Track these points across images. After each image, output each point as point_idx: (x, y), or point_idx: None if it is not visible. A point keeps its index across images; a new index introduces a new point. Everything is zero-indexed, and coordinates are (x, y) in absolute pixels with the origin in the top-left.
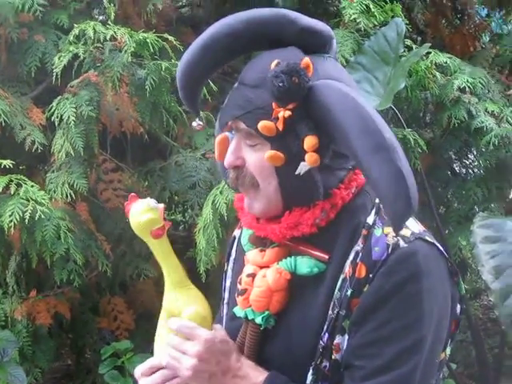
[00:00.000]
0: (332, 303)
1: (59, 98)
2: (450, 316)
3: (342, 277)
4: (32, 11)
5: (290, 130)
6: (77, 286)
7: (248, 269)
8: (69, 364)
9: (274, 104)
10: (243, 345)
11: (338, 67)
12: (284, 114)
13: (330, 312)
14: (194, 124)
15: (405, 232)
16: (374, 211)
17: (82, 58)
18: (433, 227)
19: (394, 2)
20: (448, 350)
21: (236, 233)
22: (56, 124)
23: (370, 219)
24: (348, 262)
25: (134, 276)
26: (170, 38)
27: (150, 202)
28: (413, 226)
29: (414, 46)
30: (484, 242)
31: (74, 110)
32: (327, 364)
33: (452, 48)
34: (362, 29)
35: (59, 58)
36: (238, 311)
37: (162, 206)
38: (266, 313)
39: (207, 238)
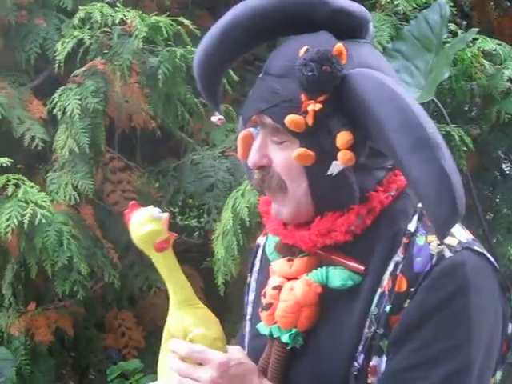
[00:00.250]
0: (368, 320)
1: (62, 88)
2: (501, 336)
3: (379, 291)
4: None
5: (321, 125)
6: (80, 298)
7: (274, 281)
8: None
9: (302, 96)
10: (267, 366)
11: (376, 54)
12: (314, 107)
13: (365, 330)
14: (214, 119)
15: (451, 240)
16: (416, 217)
17: (87, 44)
18: (479, 235)
19: None
20: (498, 375)
21: (260, 240)
22: (58, 118)
23: (412, 226)
24: (387, 274)
25: (144, 288)
26: (186, 21)
27: (152, 211)
28: (460, 233)
29: (459, 32)
30: None
31: (79, 102)
32: None
33: (501, 33)
34: (401, 12)
35: (62, 44)
36: (263, 328)
37: (166, 215)
38: (294, 330)
39: (226, 246)
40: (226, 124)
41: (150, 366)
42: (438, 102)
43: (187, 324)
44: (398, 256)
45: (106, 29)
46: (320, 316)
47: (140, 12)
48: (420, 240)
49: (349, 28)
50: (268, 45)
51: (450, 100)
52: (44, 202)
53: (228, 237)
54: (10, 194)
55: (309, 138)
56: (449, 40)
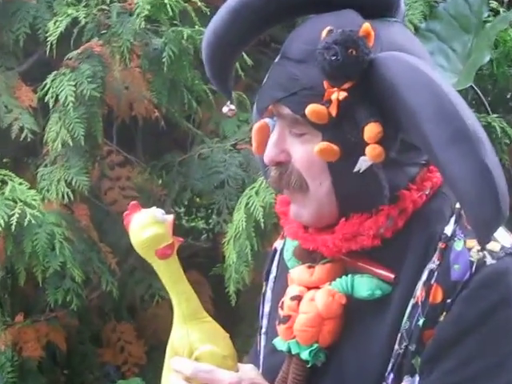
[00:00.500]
0: (399, 335)
1: (54, 73)
2: None
3: (411, 302)
4: None
5: (347, 116)
6: (74, 309)
7: (292, 290)
8: None
9: (325, 83)
10: None
11: (407, 35)
12: (338, 95)
13: (396, 347)
14: (224, 109)
15: (493, 246)
16: (453, 219)
17: (82, 23)
18: None
19: None
20: None
21: (277, 244)
22: (50, 106)
23: (449, 229)
24: (420, 284)
25: (146, 297)
26: None
27: (155, 212)
28: (503, 237)
29: (500, 10)
30: None
31: (73, 89)
32: None
33: None
34: None
35: (54, 24)
36: (280, 343)
37: (170, 217)
38: (315, 346)
39: (238, 251)
40: (239, 113)
41: None
42: (477, 89)
43: (193, 340)
44: (433, 263)
45: (104, 6)
46: (344, 330)
47: None
48: (458, 245)
49: (377, 5)
50: (286, 25)
51: (491, 87)
52: (34, 200)
53: (240, 240)
54: None
55: (332, 131)
56: (490, 19)
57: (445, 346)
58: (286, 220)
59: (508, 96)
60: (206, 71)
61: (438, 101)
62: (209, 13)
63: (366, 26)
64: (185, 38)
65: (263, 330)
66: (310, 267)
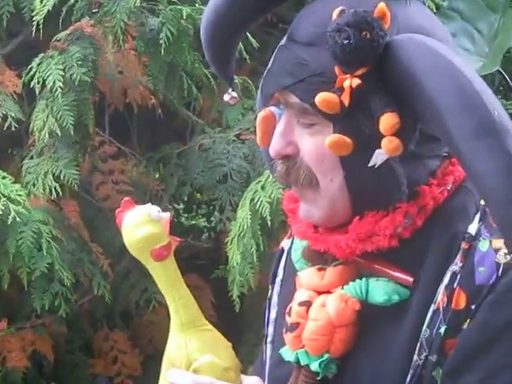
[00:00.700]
0: (418, 344)
1: (41, 56)
2: None
3: (432, 308)
4: None
5: (360, 106)
6: (63, 315)
7: (301, 295)
8: None
9: (336, 69)
10: None
11: (427, 14)
12: (351, 82)
13: (415, 357)
14: (226, 97)
15: None
16: (478, 216)
17: (72, 1)
18: None
19: None
20: None
21: (284, 244)
22: (36, 92)
23: (473, 228)
24: (441, 288)
25: (142, 303)
26: None
27: (150, 210)
28: None
29: None
30: None
31: (62, 73)
32: None
33: None
34: None
35: (41, 2)
36: (287, 354)
37: (167, 215)
38: (326, 356)
39: (243, 251)
40: (243, 100)
41: None
42: (504, 73)
43: (191, 350)
44: (456, 265)
45: None
46: (358, 339)
47: None
48: (483, 245)
49: None
50: (295, 3)
51: None
52: (19, 195)
53: (245, 239)
54: None
55: (345, 122)
56: None
57: (469, 357)
58: (294, 218)
59: None
60: (206, 54)
61: (460, 88)
62: None
63: (381, 5)
64: (184, 17)
65: (269, 338)
66: (320, 270)
